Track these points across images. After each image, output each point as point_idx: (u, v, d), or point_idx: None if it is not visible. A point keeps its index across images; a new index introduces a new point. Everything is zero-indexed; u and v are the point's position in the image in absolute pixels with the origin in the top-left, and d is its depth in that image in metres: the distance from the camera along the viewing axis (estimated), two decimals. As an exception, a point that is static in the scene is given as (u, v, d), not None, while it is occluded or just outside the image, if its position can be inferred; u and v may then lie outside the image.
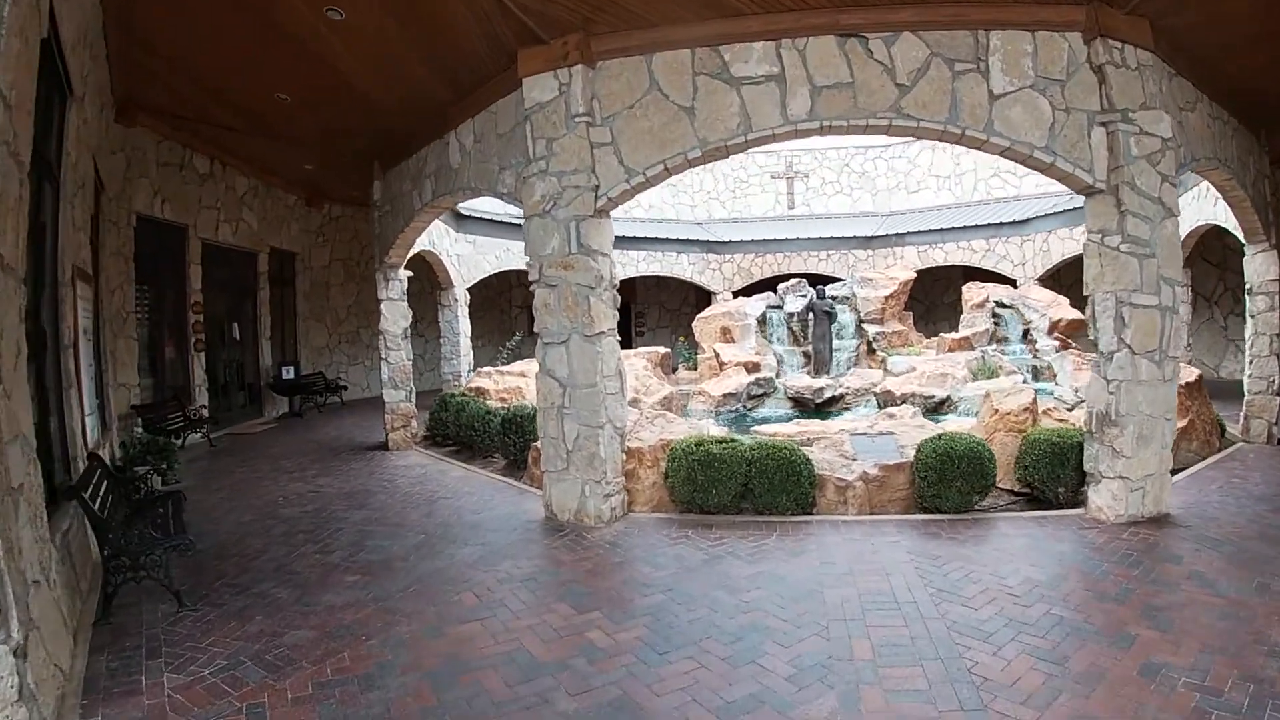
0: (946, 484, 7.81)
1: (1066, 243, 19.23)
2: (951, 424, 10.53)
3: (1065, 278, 20.18)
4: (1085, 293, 7.95)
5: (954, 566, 6.41)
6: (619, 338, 7.93)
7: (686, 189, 26.36)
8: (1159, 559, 6.43)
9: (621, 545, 7.18)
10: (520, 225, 12.23)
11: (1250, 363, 11.66)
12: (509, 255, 19.81)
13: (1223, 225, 12.78)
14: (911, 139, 23.92)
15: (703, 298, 24.88)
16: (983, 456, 7.91)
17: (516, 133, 8.40)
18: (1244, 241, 11.76)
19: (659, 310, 26.92)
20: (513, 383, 13.29)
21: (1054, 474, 8.15)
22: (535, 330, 7.99)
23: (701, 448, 7.83)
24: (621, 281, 22.47)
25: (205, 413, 14.00)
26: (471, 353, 18.37)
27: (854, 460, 8.34)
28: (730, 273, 24.06)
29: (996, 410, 9.44)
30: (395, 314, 12.55)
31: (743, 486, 7.84)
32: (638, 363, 14.65)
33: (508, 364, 15.18)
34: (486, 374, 13.99)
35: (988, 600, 5.69)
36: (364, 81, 9.56)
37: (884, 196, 25.23)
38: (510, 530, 7.84)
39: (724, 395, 15.20)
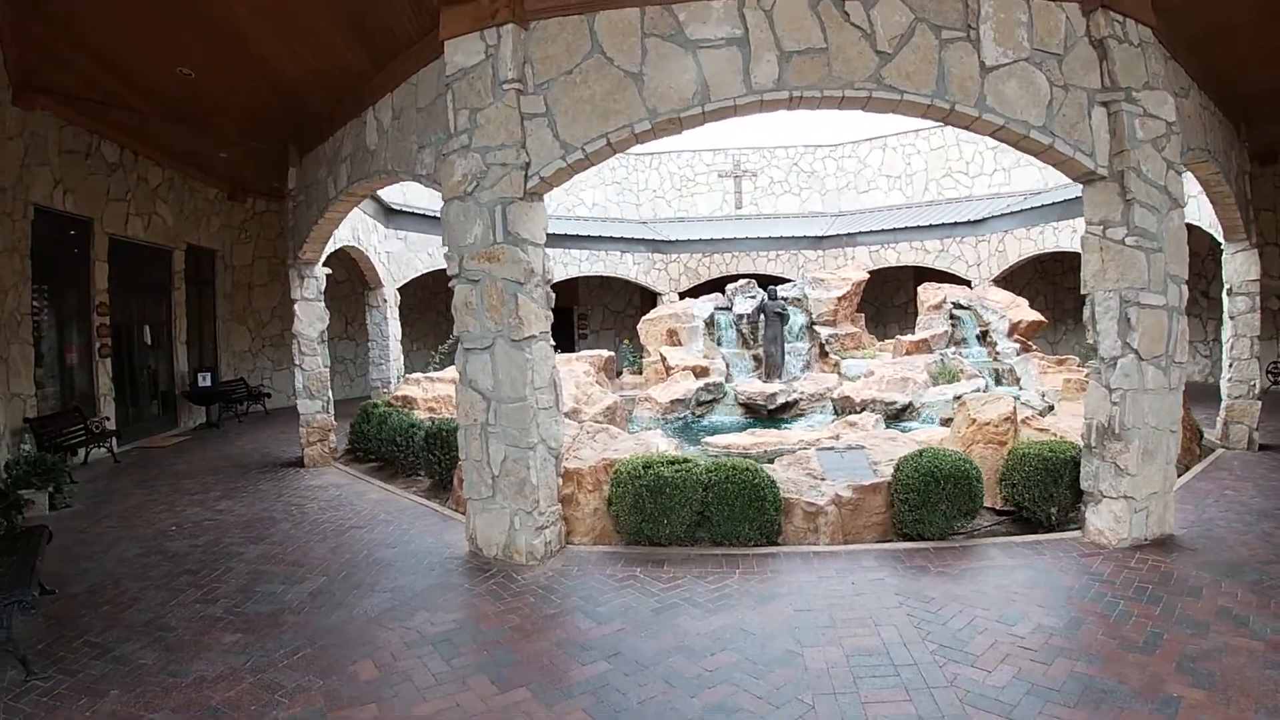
0: (930, 507, 6.74)
1: (1023, 243, 18.52)
2: (920, 433, 9.52)
3: (1018, 279, 19.49)
4: (1083, 290, 7.05)
5: (952, 611, 5.34)
6: (554, 343, 6.63)
7: (631, 187, 25.21)
8: (1178, 592, 5.56)
9: (557, 590, 5.93)
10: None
11: (1230, 366, 10.92)
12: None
13: (1196, 224, 12.05)
14: (868, 138, 23.47)
15: (648, 299, 23.74)
16: (970, 476, 6.87)
17: (438, 105, 7.09)
18: (1223, 241, 11.03)
19: (602, 312, 25.67)
20: (443, 391, 11.92)
21: (1046, 493, 7.18)
22: (455, 334, 6.68)
23: (650, 471, 6.57)
24: (563, 282, 21.22)
25: (109, 425, 12.42)
26: (402, 358, 16.90)
27: (823, 480, 7.22)
28: (676, 273, 22.95)
29: (974, 420, 8.40)
30: (310, 316, 11.11)
31: (699, 514, 6.65)
32: (579, 368, 13.42)
33: (440, 370, 13.79)
34: (415, 381, 12.59)
35: (1000, 658, 4.62)
36: (272, 51, 8.40)
37: (833, 196, 24.36)
38: (427, 570, 6.53)
39: (671, 402, 14.13)
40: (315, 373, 11.15)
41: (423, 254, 17.98)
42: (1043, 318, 15.52)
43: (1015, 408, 8.62)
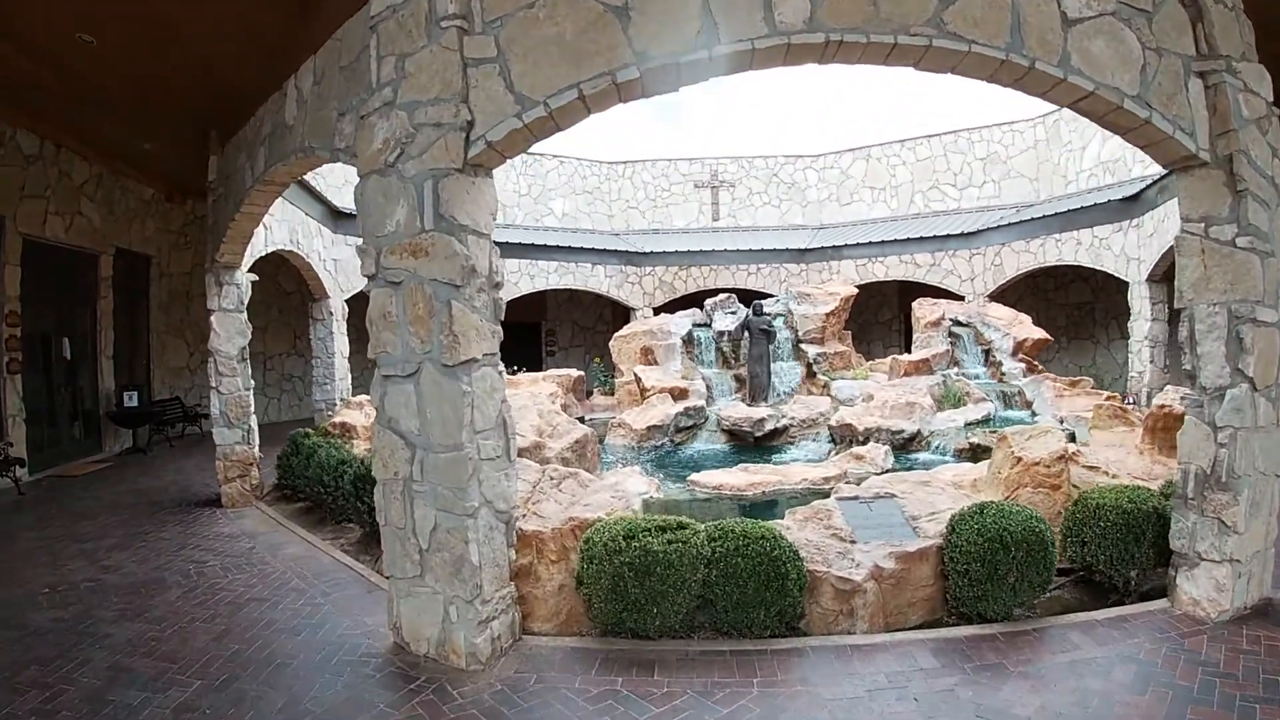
0: (997, 581, 5.06)
1: (1022, 256, 17.06)
2: (946, 471, 7.87)
3: (1008, 295, 17.97)
4: (1178, 304, 5.48)
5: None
6: (515, 366, 4.74)
7: (603, 196, 23.48)
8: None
9: (508, 715, 4.12)
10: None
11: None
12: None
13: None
14: (850, 148, 22.05)
15: (620, 315, 21.97)
16: (1045, 541, 5.21)
17: (362, 60, 5.28)
18: None
19: (572, 328, 23.79)
20: (389, 416, 10.04)
21: (1126, 553, 5.61)
22: (371, 355, 4.84)
23: (634, 543, 4.73)
24: (531, 296, 19.44)
25: (10, 451, 10.42)
26: (349, 377, 14.95)
27: (852, 542, 5.49)
28: (651, 287, 21.23)
29: (1019, 459, 6.76)
30: (229, 329, 9.18)
31: (699, 598, 4.87)
32: (544, 390, 11.65)
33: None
34: (358, 405, 10.69)
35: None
36: (175, 9, 6.94)
37: (814, 209, 22.79)
38: (335, 674, 4.68)
39: (648, 428, 12.42)
40: (234, 396, 9.23)
41: (377, 263, 16.06)
42: (1048, 336, 14.01)
43: (1067, 446, 6.99)
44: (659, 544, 4.61)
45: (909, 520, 5.88)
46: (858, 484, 6.87)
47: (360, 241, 4.77)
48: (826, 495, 8.54)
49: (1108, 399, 11.33)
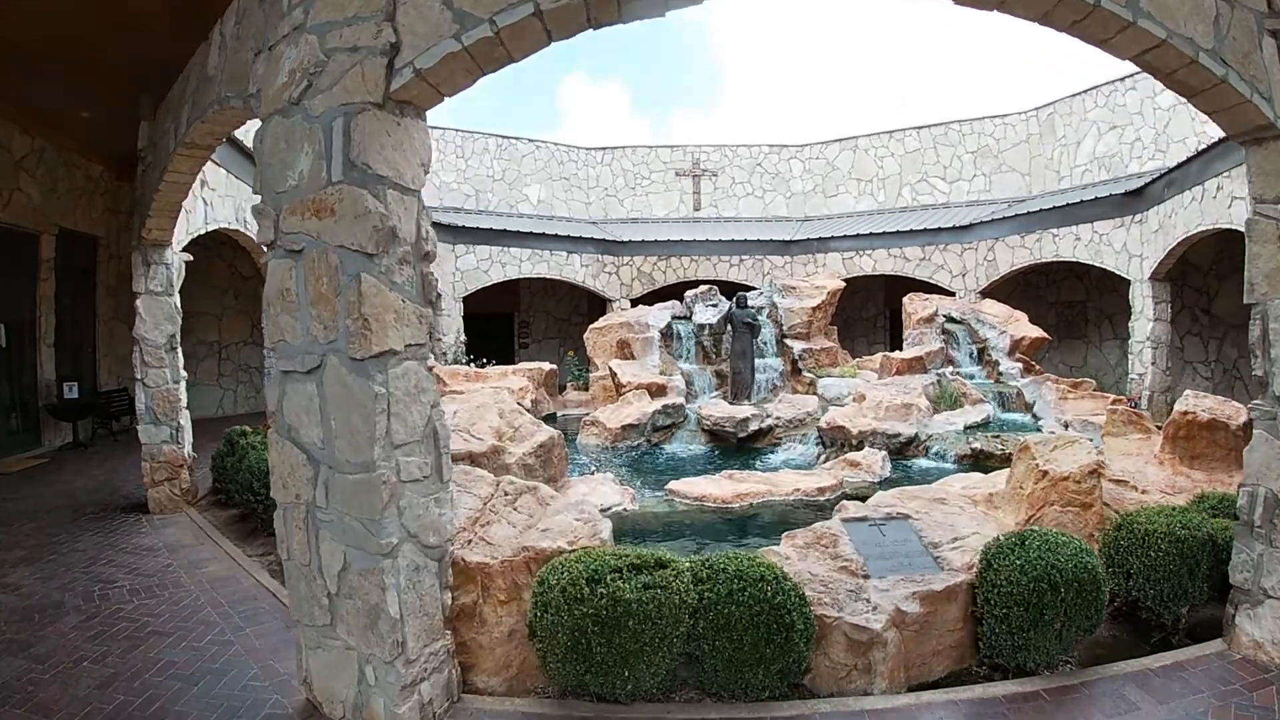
0: (1043, 628, 4.10)
1: (1017, 251, 16.18)
2: (955, 482, 6.94)
3: (998, 293, 17.10)
4: (1247, 299, 4.58)
5: None
6: (432, 363, 3.62)
7: (581, 183, 22.39)
8: None
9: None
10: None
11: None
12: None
13: (1240, 230, 9.78)
14: (837, 139, 20.93)
15: (596, 306, 20.91)
16: (1096, 579, 4.27)
17: (280, -12, 4.22)
18: None
19: (546, 319, 22.64)
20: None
21: (1179, 588, 4.71)
22: (267, 344, 3.77)
23: (601, 589, 3.63)
24: (504, 285, 18.39)
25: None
26: (306, 367, 13.81)
27: (865, 577, 4.51)
28: (629, 277, 20.19)
29: (1044, 473, 5.84)
30: (157, 314, 8.05)
31: (682, 654, 3.86)
32: (512, 385, 10.61)
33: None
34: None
35: None
36: None
37: (799, 200, 21.81)
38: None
39: (623, 427, 11.51)
40: (162, 390, 8.11)
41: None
42: (1045, 335, 13.15)
43: (1098, 460, 6.08)
44: (632, 590, 3.56)
45: (928, 548, 4.91)
46: (862, 500, 5.89)
47: (259, 196, 3.68)
48: (822, 508, 7.60)
49: (1114, 402, 10.46)
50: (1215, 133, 12.19)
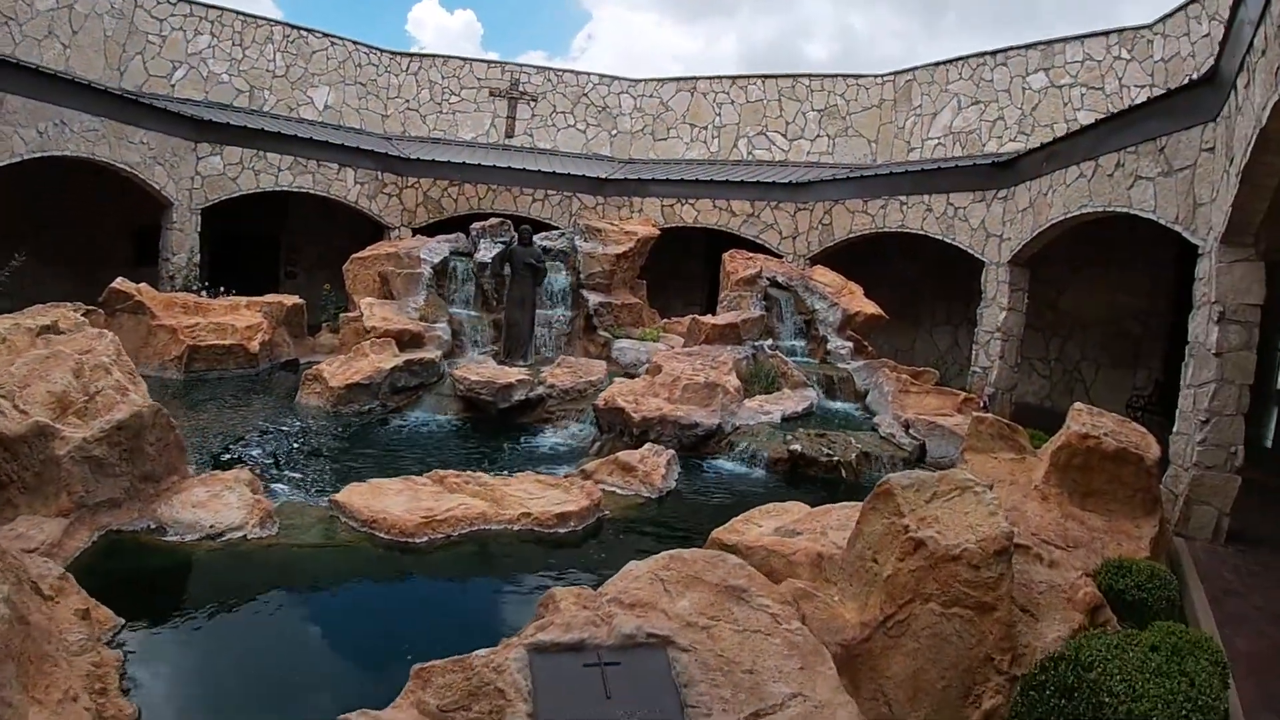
0: None
1: (857, 217, 13.96)
2: (765, 519, 4.25)
3: (831, 261, 14.89)
4: None
5: None
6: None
7: (379, 91, 18.37)
8: None
9: None
10: None
11: (1206, 423, 6.54)
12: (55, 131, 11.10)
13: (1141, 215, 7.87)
14: (675, 77, 18.11)
15: (381, 235, 17.20)
16: None
17: None
18: (1204, 242, 6.86)
19: (320, 247, 18.39)
20: None
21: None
22: None
23: None
24: (269, 201, 14.24)
25: None
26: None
27: None
28: (412, 202, 16.54)
29: (919, 544, 3.27)
30: None
31: None
32: (241, 321, 7.12)
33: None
34: None
35: None
36: None
37: (625, 139, 18.81)
38: None
39: (348, 386, 8.70)
40: None
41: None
42: (882, 311, 10.94)
43: (1006, 527, 3.46)
44: None
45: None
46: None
47: None
48: (562, 545, 4.74)
49: (967, 401, 8.22)
50: (1090, 119, 10.33)
